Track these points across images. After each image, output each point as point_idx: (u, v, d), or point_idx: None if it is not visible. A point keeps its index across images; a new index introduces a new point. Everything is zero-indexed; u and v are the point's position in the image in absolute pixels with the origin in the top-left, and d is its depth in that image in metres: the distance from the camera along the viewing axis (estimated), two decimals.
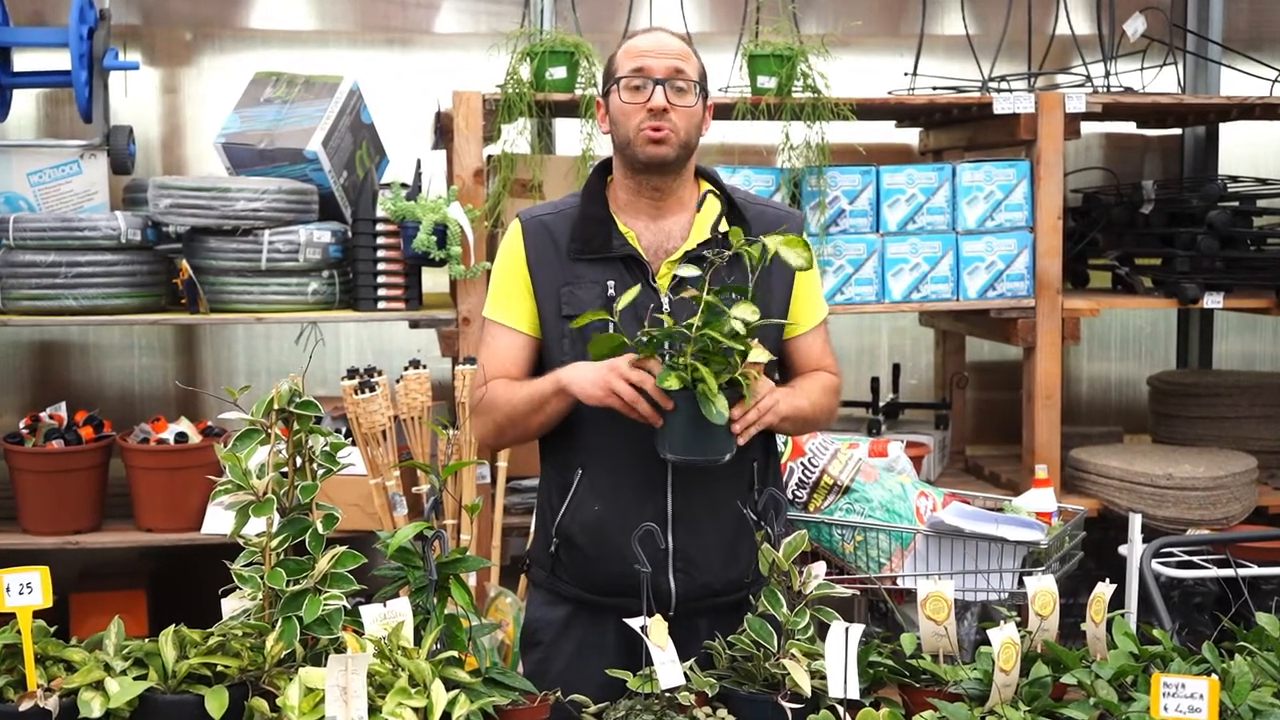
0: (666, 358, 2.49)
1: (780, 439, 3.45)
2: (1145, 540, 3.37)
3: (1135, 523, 3.38)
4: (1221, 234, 4.58)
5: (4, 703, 2.11)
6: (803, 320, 2.83)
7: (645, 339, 2.50)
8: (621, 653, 2.67)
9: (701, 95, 2.74)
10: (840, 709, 2.19)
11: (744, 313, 2.44)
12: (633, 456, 2.67)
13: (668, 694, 2.21)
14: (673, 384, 2.41)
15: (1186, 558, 3.74)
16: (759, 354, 2.49)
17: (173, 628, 2.22)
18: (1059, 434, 4.48)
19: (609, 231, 2.73)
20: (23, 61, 4.63)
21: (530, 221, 2.79)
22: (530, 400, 2.70)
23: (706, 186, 2.80)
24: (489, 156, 4.26)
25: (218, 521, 4.13)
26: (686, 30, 4.59)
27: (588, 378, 2.60)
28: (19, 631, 2.15)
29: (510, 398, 2.72)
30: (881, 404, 5.02)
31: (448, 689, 2.13)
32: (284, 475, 2.31)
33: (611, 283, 2.69)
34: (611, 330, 2.56)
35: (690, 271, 2.52)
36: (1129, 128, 5.41)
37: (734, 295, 2.49)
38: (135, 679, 2.13)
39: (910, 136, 5.31)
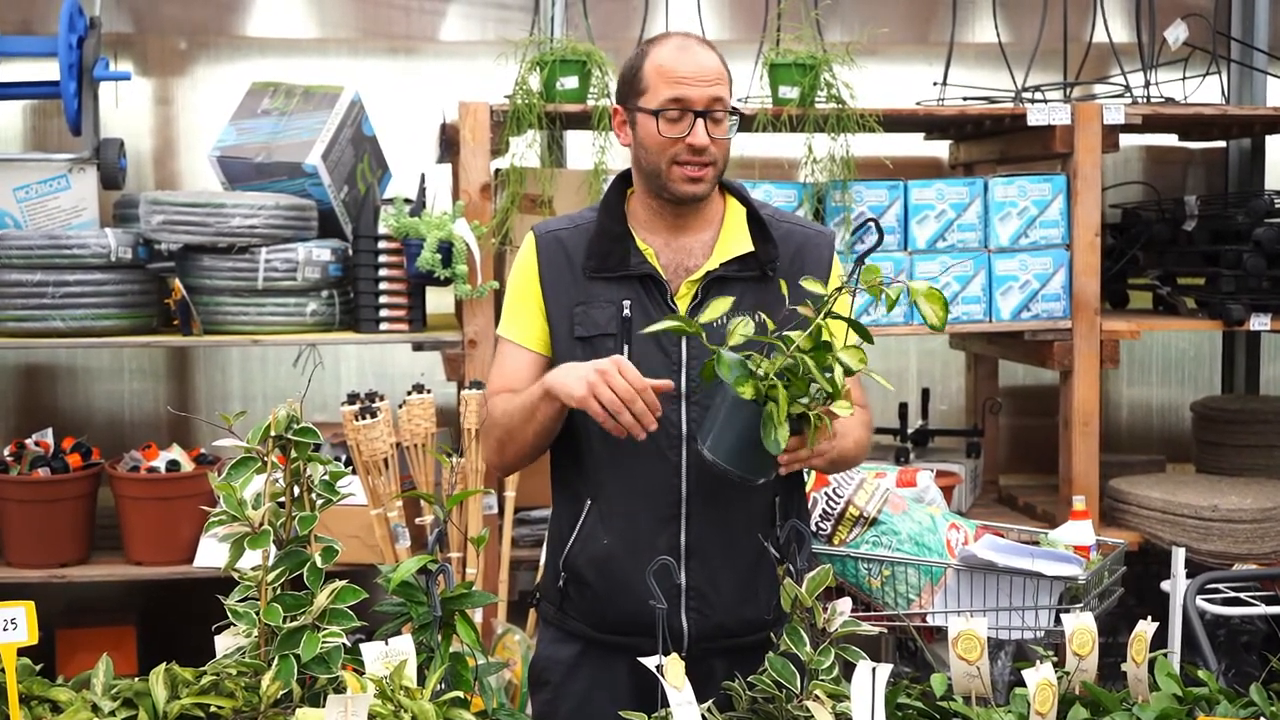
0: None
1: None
2: (1189, 576, 3.35)
3: (1178, 557, 3.37)
4: (1268, 252, 4.56)
5: None
6: None
7: (735, 336, 2.42)
8: (634, 694, 2.64)
9: (737, 118, 2.70)
10: None
11: (850, 357, 2.39)
12: (645, 487, 2.66)
13: None
14: (747, 393, 2.37)
15: (1233, 594, 3.73)
16: (843, 407, 2.42)
17: (164, 666, 2.22)
18: (1097, 463, 4.47)
19: (626, 249, 2.71)
20: (9, 71, 4.66)
21: (545, 236, 2.78)
22: (522, 409, 2.66)
23: (732, 201, 2.78)
24: (496, 170, 4.27)
25: (211, 554, 4.13)
26: (704, 36, 4.59)
27: (572, 376, 2.53)
28: (2, 670, 2.15)
29: (507, 409, 2.70)
30: (910, 431, 5.02)
31: None
32: (281, 506, 2.31)
33: (627, 302, 2.68)
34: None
35: (814, 286, 2.43)
36: (1170, 140, 5.41)
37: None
38: (124, 719, 2.13)
39: (940, 149, 5.31)
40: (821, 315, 2.39)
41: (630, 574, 2.60)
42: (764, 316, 2.48)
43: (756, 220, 2.74)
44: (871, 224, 2.63)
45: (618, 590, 2.68)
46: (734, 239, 2.72)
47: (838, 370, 2.37)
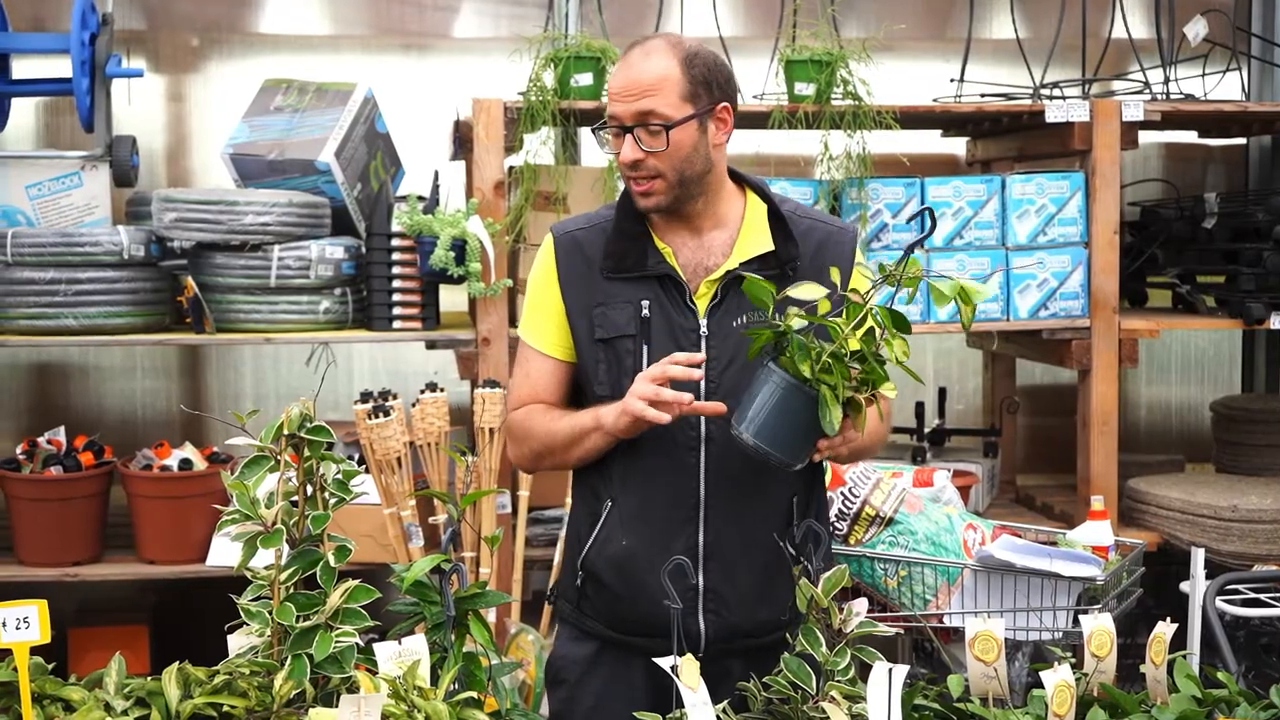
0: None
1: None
2: (1209, 576, 3.34)
3: (1198, 558, 3.36)
4: None
5: None
6: None
7: (793, 319, 2.42)
8: (650, 694, 2.66)
9: (695, 119, 2.62)
10: None
11: (899, 347, 2.41)
12: (664, 488, 2.67)
13: None
14: (805, 371, 2.37)
15: (1253, 595, 3.72)
16: (889, 389, 2.45)
17: (176, 665, 2.23)
18: (1116, 463, 4.46)
19: (644, 248, 2.71)
20: (22, 68, 4.67)
21: (563, 237, 2.78)
22: (571, 434, 2.70)
23: (753, 198, 2.77)
24: (510, 168, 4.27)
25: (224, 553, 4.14)
26: (719, 34, 4.60)
27: (613, 410, 2.60)
28: (15, 669, 2.16)
29: (550, 428, 2.73)
30: (927, 430, 5.01)
31: None
32: (294, 504, 2.31)
33: (646, 303, 2.68)
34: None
35: (865, 276, 2.46)
36: (1190, 137, 5.39)
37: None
38: (137, 719, 2.14)
39: (957, 146, 5.30)
40: (870, 303, 2.40)
41: (648, 575, 2.60)
42: (815, 298, 2.45)
43: (777, 217, 2.73)
44: (926, 213, 2.63)
45: (636, 591, 2.69)
46: (754, 237, 2.71)
47: (888, 355, 2.40)
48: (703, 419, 2.64)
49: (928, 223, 2.58)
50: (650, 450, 2.64)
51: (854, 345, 2.39)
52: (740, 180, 2.79)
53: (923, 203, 4.33)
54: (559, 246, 2.77)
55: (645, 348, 2.65)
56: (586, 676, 2.80)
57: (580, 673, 2.80)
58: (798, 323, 2.40)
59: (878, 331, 2.40)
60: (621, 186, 2.86)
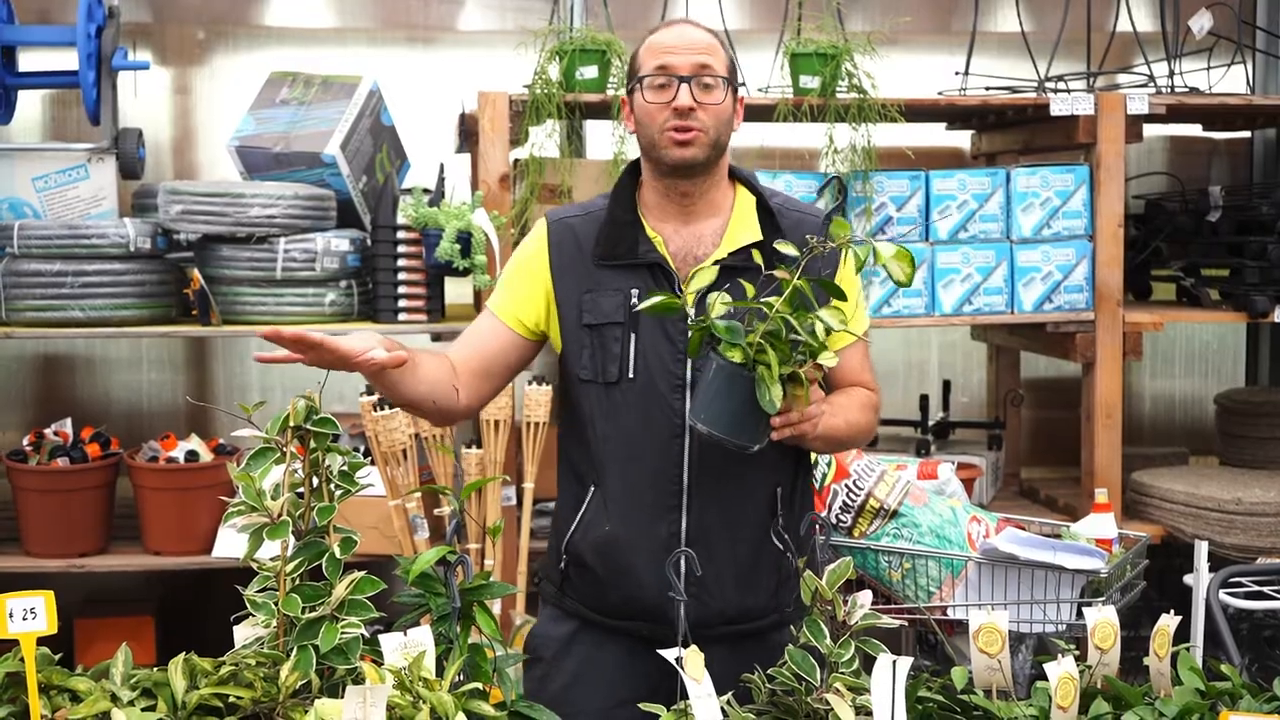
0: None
1: (824, 460, 3.45)
2: (1212, 569, 3.34)
3: (1201, 550, 3.35)
4: None
5: None
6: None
7: (716, 308, 2.45)
8: (625, 676, 2.71)
9: (731, 91, 2.72)
10: None
11: (830, 316, 2.43)
12: (648, 475, 2.69)
13: None
14: (735, 357, 2.40)
15: (1256, 588, 3.71)
16: (829, 358, 2.47)
17: (182, 656, 2.22)
18: (1120, 456, 4.46)
19: (635, 237, 2.73)
20: (28, 61, 4.67)
21: (557, 224, 2.80)
22: None
23: (742, 190, 2.79)
24: (516, 160, 4.27)
25: (230, 544, 4.14)
26: (725, 26, 4.60)
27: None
28: (22, 659, 2.16)
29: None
30: (931, 423, 5.01)
31: None
32: (300, 496, 2.31)
33: (636, 291, 2.69)
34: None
35: (788, 249, 2.48)
36: (1194, 130, 5.39)
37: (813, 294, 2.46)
38: (143, 710, 2.14)
39: (962, 139, 5.30)
40: (796, 277, 2.42)
41: (632, 559, 2.66)
42: (745, 284, 2.49)
43: (766, 209, 2.76)
44: (835, 182, 2.67)
45: (618, 575, 2.71)
46: (743, 228, 2.73)
47: (819, 327, 2.41)
48: (688, 406, 2.65)
49: (837, 193, 2.61)
50: (635, 437, 2.66)
51: (783, 319, 2.41)
52: (731, 172, 2.81)
53: (927, 196, 4.32)
54: (553, 233, 2.79)
55: (633, 335, 2.66)
56: (562, 655, 2.82)
57: (556, 651, 2.83)
58: (721, 310, 2.43)
59: (814, 303, 2.42)
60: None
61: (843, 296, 2.47)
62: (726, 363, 2.42)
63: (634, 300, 2.69)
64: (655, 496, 2.70)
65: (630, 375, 2.68)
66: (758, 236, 2.71)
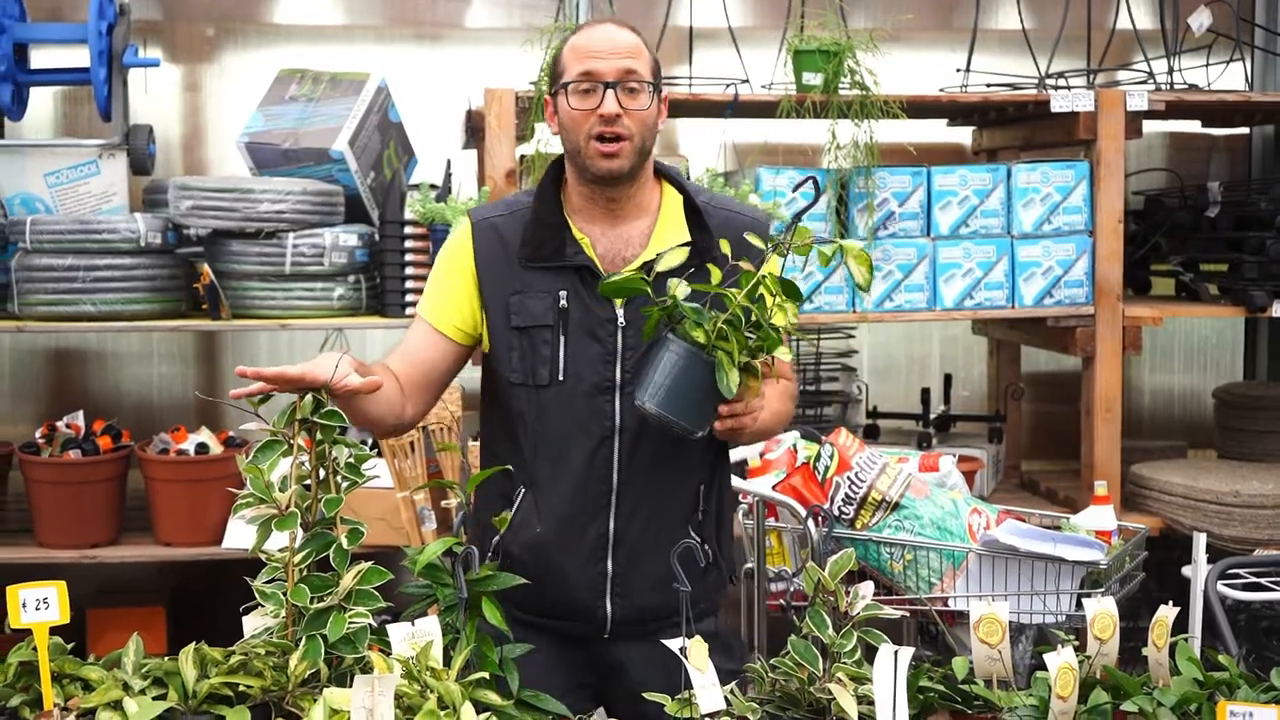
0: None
1: (826, 453, 3.45)
2: (1210, 561, 3.34)
3: (1200, 542, 3.36)
4: None
5: None
6: None
7: (679, 290, 2.43)
8: (557, 670, 2.69)
9: (656, 93, 2.66)
10: None
11: (789, 309, 2.44)
12: (579, 477, 2.66)
13: (705, 718, 2.21)
14: (699, 337, 2.38)
15: (1254, 579, 3.72)
16: (784, 352, 2.48)
17: (193, 646, 2.23)
18: (1119, 449, 4.46)
19: (562, 239, 2.68)
20: (40, 58, 4.68)
21: (481, 223, 2.74)
22: None
23: (669, 189, 2.75)
24: (522, 156, 4.27)
25: (239, 536, 4.15)
26: (729, 23, 4.60)
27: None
28: (35, 649, 2.17)
29: None
30: (932, 416, 5.01)
31: (478, 712, 2.14)
32: (307, 488, 2.32)
33: (564, 293, 2.65)
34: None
35: (727, 248, 2.48)
36: (1194, 127, 5.39)
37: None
38: (154, 699, 2.15)
39: (963, 136, 5.29)
40: (761, 272, 2.41)
41: (562, 559, 2.66)
42: (710, 268, 2.47)
43: (693, 208, 2.71)
44: (811, 181, 2.65)
45: (549, 576, 2.67)
46: (670, 228, 2.69)
47: (778, 318, 2.42)
48: (617, 411, 2.64)
49: (813, 193, 2.60)
50: (566, 439, 2.63)
51: (743, 309, 2.40)
52: (657, 169, 2.77)
53: (929, 192, 4.33)
54: (477, 233, 2.73)
55: (563, 339, 2.63)
56: None
57: None
58: (684, 291, 2.41)
59: (769, 299, 2.41)
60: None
61: (798, 295, 2.45)
62: (689, 344, 2.39)
63: (563, 303, 2.65)
64: (586, 500, 2.67)
65: (560, 378, 2.64)
66: (685, 236, 2.67)
